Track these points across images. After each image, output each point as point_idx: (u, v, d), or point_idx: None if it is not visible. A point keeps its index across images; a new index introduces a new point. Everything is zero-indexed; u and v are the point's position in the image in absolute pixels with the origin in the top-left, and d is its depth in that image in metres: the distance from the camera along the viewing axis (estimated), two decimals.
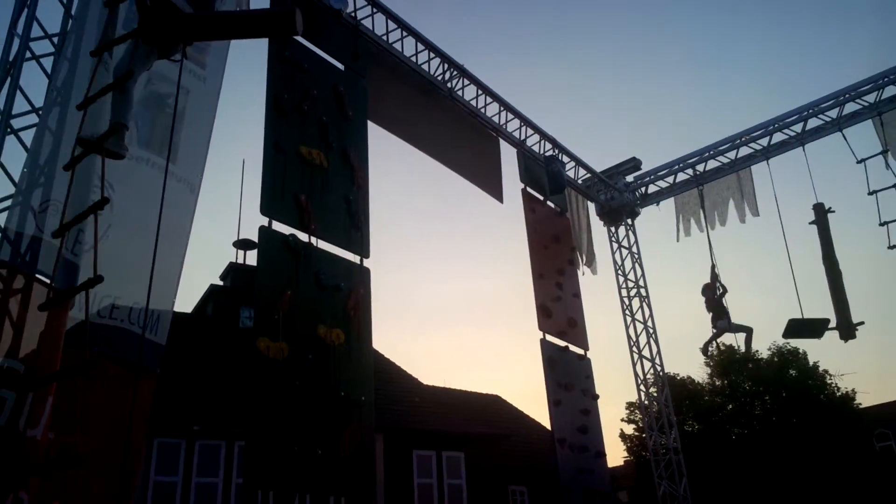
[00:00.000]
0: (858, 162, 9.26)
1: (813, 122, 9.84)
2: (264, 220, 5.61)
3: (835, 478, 19.06)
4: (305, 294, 5.44)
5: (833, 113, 9.68)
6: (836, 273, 9.17)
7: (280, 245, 5.52)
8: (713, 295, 9.87)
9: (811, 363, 22.11)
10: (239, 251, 18.00)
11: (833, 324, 9.00)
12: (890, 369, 54.62)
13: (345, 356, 5.47)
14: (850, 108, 9.61)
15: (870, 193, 9.04)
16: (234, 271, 17.99)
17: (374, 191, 6.71)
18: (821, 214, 9.46)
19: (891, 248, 8.85)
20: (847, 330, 8.95)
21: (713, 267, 9.82)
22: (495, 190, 9.29)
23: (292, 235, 5.67)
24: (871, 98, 9.44)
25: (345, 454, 5.19)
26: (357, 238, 6.17)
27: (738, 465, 19.62)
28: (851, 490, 19.31)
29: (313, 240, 5.84)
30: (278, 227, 5.68)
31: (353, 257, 6.12)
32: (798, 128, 9.95)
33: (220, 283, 18.36)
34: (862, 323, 8.92)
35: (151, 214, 5.57)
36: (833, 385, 21.86)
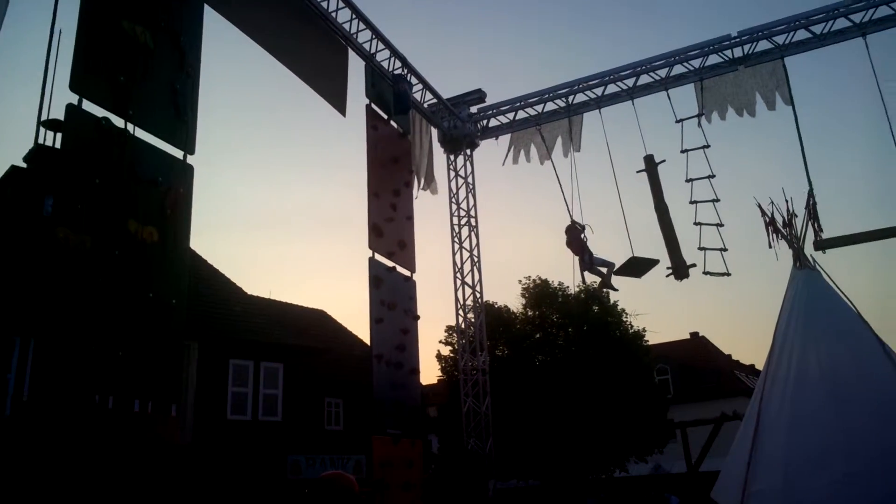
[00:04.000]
0: (677, 121, 10.08)
1: (644, 79, 10.50)
2: (75, 99, 5.03)
3: (619, 404, 21.43)
4: (117, 185, 5.00)
5: (662, 72, 10.37)
6: (667, 219, 9.98)
7: (90, 128, 4.99)
8: (578, 234, 10.12)
9: (612, 301, 24.34)
10: (48, 132, 16.12)
11: (666, 263, 9.83)
12: (674, 312, 61.73)
13: (157, 256, 5.13)
14: (678, 70, 10.34)
15: (682, 152, 9.91)
16: (40, 154, 16.13)
17: (205, 82, 6.24)
18: (651, 165, 10.18)
19: (691, 202, 9.81)
20: (681, 270, 9.82)
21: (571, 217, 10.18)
22: (339, 101, 9.01)
23: (106, 119, 5.14)
24: (696, 63, 10.22)
25: (150, 357, 4.96)
26: (181, 131, 5.72)
27: (538, 389, 21.39)
28: (631, 415, 21.86)
29: (131, 127, 5.34)
30: (91, 108, 5.13)
31: (175, 151, 5.69)
32: (630, 82, 10.57)
33: (24, 165, 16.43)
34: (693, 265, 9.79)
35: None
36: (628, 323, 24.29)
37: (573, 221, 10.18)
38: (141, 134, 5.43)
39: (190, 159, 5.81)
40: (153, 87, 5.58)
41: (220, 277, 21.29)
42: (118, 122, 5.24)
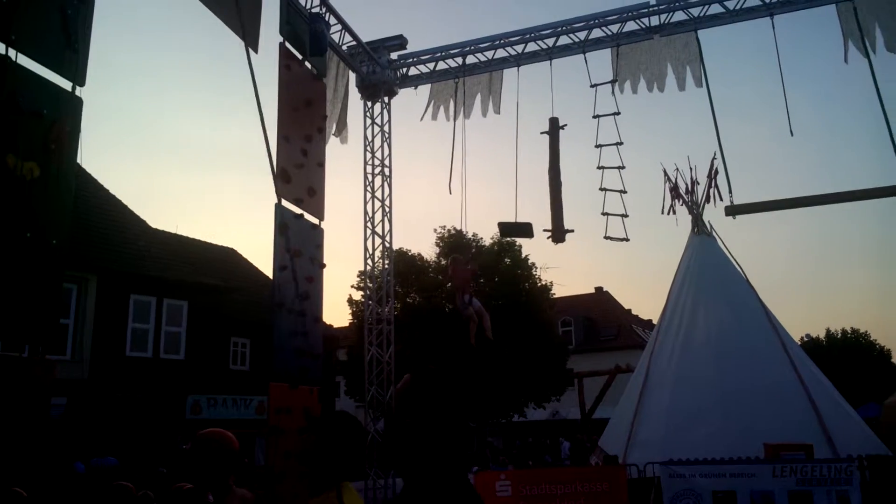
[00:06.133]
0: (591, 86, 10.24)
1: (563, 40, 10.54)
2: None
3: (521, 352, 22.18)
4: None
5: (581, 35, 10.44)
6: (557, 183, 10.24)
7: None
8: (464, 271, 9.96)
9: (523, 255, 24.94)
10: None
11: (546, 227, 10.11)
12: (581, 267, 63.85)
13: (38, 193, 4.83)
14: (596, 33, 10.43)
15: (594, 117, 10.11)
16: None
17: (103, 7, 5.83)
18: (554, 127, 10.37)
19: (599, 168, 10.09)
20: (558, 234, 10.14)
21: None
22: (251, 37, 8.57)
23: None
24: (614, 28, 10.33)
25: (29, 297, 4.73)
26: (71, 60, 5.32)
27: (446, 336, 21.83)
28: (532, 364, 22.64)
29: (13, 53, 4.93)
30: None
31: (63, 82, 5.31)
32: (550, 42, 10.60)
33: None
34: (571, 230, 10.17)
35: None
36: (537, 276, 25.02)
37: (461, 258, 10.12)
38: (24, 61, 5.03)
39: (80, 91, 5.45)
40: (40, 10, 5.15)
41: (121, 209, 20.38)
42: None
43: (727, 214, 10.62)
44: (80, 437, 15.10)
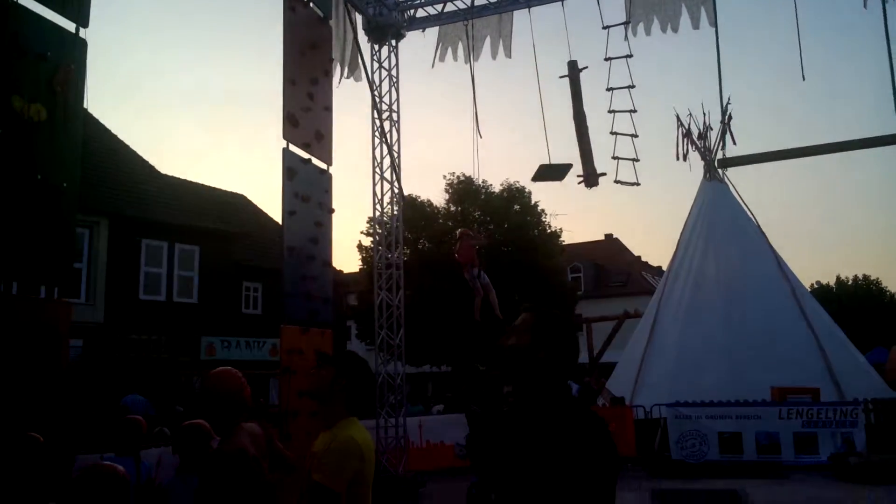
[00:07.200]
0: (604, 28, 9.99)
1: None
2: None
3: (528, 299, 22.27)
4: None
5: None
6: (583, 127, 10.03)
7: None
8: (471, 245, 9.73)
9: (533, 202, 24.81)
10: None
11: (578, 170, 9.99)
12: (591, 214, 63.61)
13: (46, 136, 4.85)
14: None
15: (605, 59, 9.89)
16: None
17: None
18: (574, 71, 10.13)
19: (610, 112, 9.93)
20: (591, 178, 10.00)
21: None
22: None
23: None
24: None
25: (42, 241, 4.80)
26: (74, 1, 5.27)
27: (455, 282, 21.94)
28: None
29: None
30: None
31: (67, 24, 5.26)
32: None
33: None
34: (604, 174, 10.01)
35: None
36: (546, 223, 24.93)
37: (470, 233, 9.94)
38: (26, 2, 4.97)
39: (83, 33, 5.39)
40: None
41: (129, 153, 20.38)
42: None
43: (718, 167, 10.50)
44: (97, 378, 15.46)
